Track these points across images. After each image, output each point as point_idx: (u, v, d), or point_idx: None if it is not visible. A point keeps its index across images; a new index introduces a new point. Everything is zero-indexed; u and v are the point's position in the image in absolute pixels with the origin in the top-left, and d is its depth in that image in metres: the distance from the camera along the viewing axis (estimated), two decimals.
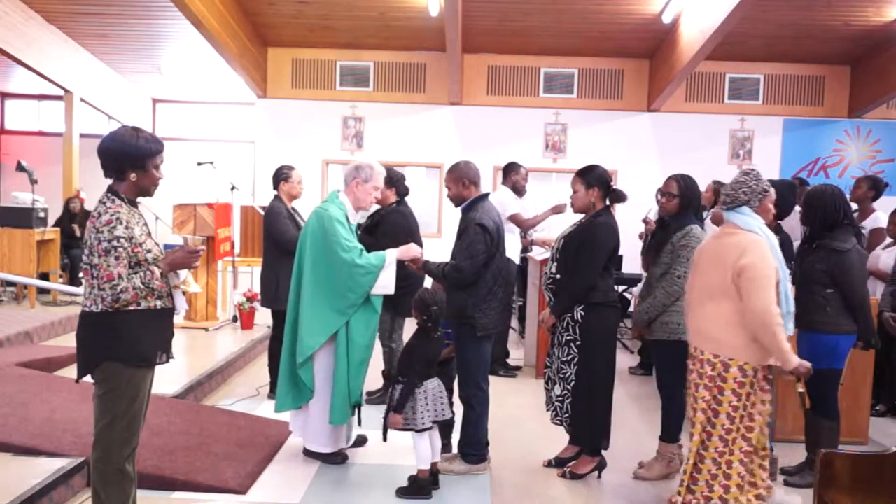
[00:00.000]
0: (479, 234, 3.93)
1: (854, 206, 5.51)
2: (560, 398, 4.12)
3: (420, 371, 3.81)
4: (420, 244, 4.45)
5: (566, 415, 4.11)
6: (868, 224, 5.75)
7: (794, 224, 5.93)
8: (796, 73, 10.28)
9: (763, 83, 10.33)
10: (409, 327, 5.39)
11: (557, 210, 6.41)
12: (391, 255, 4.08)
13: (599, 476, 4.19)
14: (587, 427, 4.09)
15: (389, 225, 5.10)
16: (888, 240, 5.56)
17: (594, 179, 4.08)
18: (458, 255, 3.98)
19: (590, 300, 3.99)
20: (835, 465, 2.98)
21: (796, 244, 4.59)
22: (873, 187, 6.01)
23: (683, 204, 4.06)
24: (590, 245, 4.01)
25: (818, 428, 4.07)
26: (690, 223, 4.02)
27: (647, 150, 10.37)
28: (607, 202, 4.13)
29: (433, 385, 3.87)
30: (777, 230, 4.00)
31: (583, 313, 4.00)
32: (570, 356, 4.04)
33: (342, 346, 4.02)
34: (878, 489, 2.95)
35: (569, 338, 4.05)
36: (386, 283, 4.04)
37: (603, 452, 4.19)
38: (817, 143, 10.35)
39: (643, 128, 10.39)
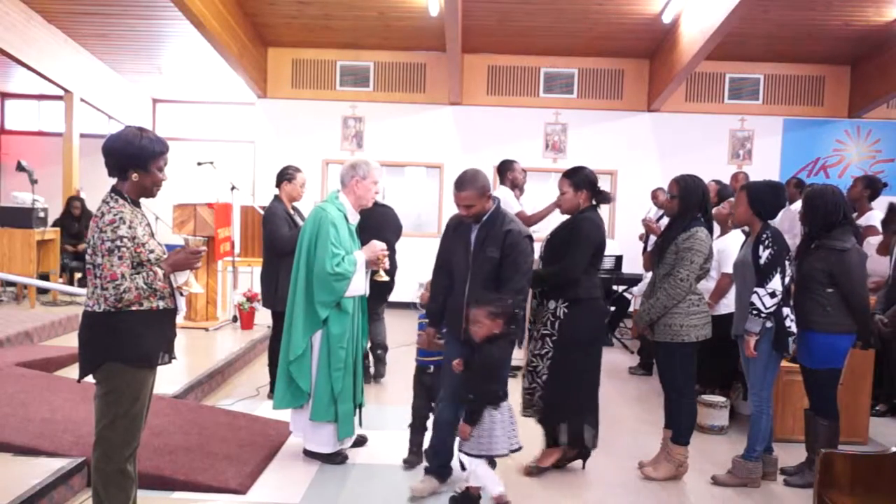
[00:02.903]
0: (528, 248, 3.71)
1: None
2: (529, 391, 4.15)
3: (503, 385, 3.63)
4: (384, 239, 4.46)
5: (535, 408, 4.15)
6: (862, 223, 5.75)
7: (794, 224, 5.94)
8: (796, 73, 10.28)
9: (763, 83, 10.33)
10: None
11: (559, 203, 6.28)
12: (360, 259, 4.14)
13: (584, 466, 4.25)
14: (556, 417, 4.10)
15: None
16: (879, 238, 5.57)
17: (582, 182, 4.10)
18: (511, 283, 3.60)
19: (573, 296, 3.97)
20: (835, 465, 2.98)
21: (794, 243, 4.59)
22: (869, 186, 6.02)
23: (683, 205, 4.05)
24: (575, 238, 4.02)
25: (818, 428, 4.08)
26: (696, 225, 4.01)
27: (647, 150, 10.37)
28: (593, 202, 4.15)
29: (509, 405, 3.63)
30: (764, 227, 3.99)
31: (566, 310, 3.99)
32: (545, 350, 4.04)
33: (324, 346, 4.08)
34: (878, 489, 2.95)
35: (545, 332, 4.04)
36: (357, 287, 4.11)
37: (604, 452, 4.18)
38: (817, 143, 10.35)
39: (643, 128, 10.39)
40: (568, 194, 4.12)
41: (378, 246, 4.23)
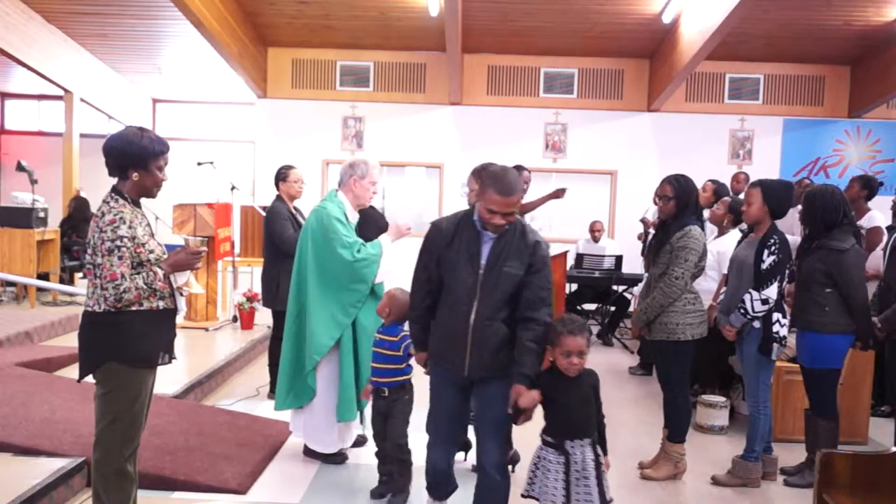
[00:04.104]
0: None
1: None
2: None
3: None
4: (367, 238, 4.31)
5: None
6: (864, 223, 5.74)
7: (793, 223, 5.94)
8: (796, 73, 10.28)
9: (763, 83, 10.33)
10: None
11: (557, 195, 6.01)
12: (385, 241, 4.12)
13: (513, 470, 3.91)
14: None
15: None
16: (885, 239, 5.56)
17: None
18: (546, 302, 3.04)
19: None
20: (835, 465, 2.98)
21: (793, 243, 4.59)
22: (866, 186, 6.01)
23: (680, 205, 4.05)
24: None
25: (818, 428, 4.08)
26: (690, 224, 4.01)
27: (647, 150, 10.37)
28: None
29: None
30: (773, 230, 3.99)
31: None
32: None
33: (347, 341, 4.03)
34: (878, 489, 2.95)
35: None
36: (387, 269, 4.08)
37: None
38: (817, 143, 10.36)
39: (643, 128, 10.40)
40: (476, 191, 4.05)
41: (403, 225, 4.19)
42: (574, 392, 2.97)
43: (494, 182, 2.92)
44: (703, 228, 4.12)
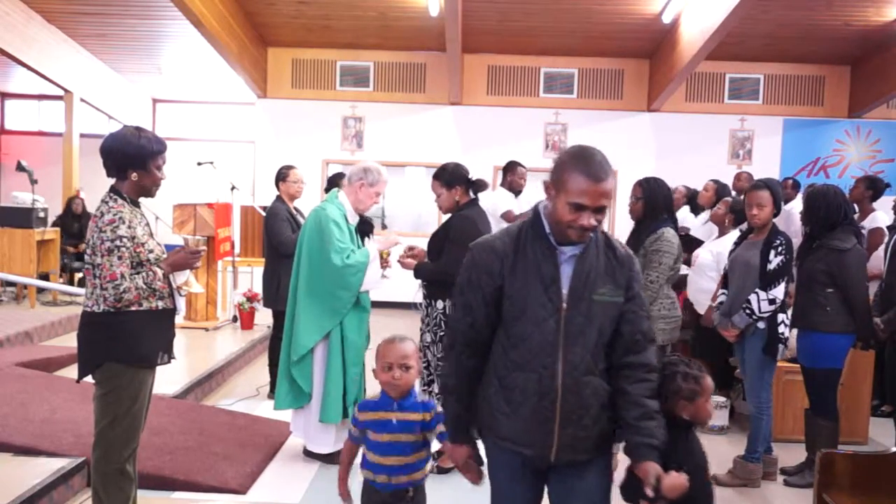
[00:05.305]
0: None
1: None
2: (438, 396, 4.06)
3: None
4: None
5: None
6: (867, 224, 5.75)
7: (796, 228, 5.94)
8: (796, 73, 10.28)
9: (763, 83, 10.33)
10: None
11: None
12: (372, 249, 4.12)
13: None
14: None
15: None
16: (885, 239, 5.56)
17: (452, 178, 4.01)
18: (652, 336, 2.25)
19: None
20: (835, 465, 2.99)
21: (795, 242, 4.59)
22: (871, 187, 6.01)
23: (648, 206, 4.06)
24: (449, 237, 3.93)
25: (817, 428, 4.08)
26: (662, 226, 4.01)
27: (647, 150, 10.36)
28: (473, 196, 4.06)
29: None
30: (776, 230, 3.99)
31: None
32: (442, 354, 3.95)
33: (336, 345, 4.05)
34: (878, 489, 2.95)
35: (442, 334, 3.86)
36: (371, 279, 4.06)
37: None
38: (817, 143, 10.35)
39: (643, 128, 10.39)
40: (443, 195, 4.03)
41: (393, 237, 4.21)
42: (688, 457, 2.21)
43: (579, 163, 2.09)
44: (675, 230, 4.11)
